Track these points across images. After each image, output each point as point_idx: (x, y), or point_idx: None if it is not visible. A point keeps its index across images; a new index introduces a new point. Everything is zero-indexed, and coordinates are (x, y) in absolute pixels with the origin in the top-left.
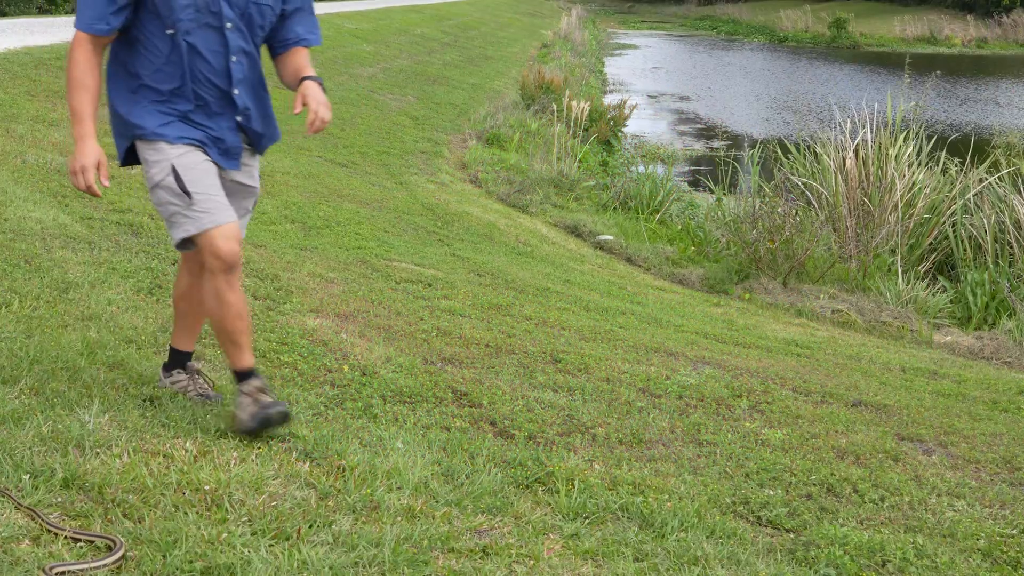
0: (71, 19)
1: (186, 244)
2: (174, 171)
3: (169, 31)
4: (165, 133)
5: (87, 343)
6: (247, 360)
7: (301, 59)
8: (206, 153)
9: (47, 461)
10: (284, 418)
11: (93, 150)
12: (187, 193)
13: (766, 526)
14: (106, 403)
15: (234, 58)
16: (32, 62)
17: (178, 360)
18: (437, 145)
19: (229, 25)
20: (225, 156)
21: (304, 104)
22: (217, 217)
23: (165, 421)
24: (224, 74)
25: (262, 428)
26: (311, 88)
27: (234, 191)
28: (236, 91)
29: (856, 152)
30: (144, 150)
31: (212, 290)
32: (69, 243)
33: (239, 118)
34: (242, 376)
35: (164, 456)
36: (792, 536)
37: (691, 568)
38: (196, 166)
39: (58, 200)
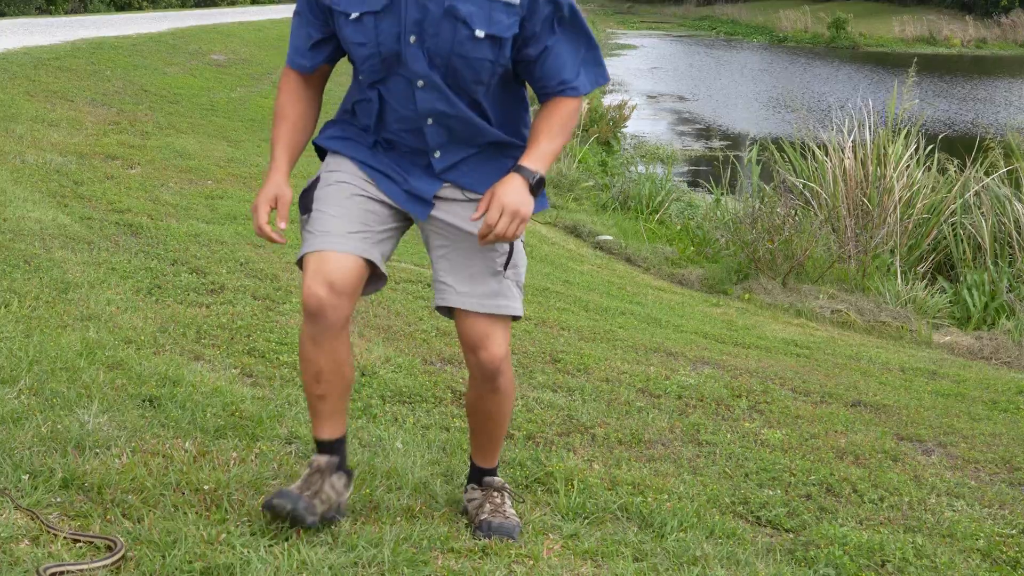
0: (70, 19)
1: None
2: (314, 182)
3: (360, 76)
4: (333, 145)
5: (86, 343)
6: (323, 432)
7: (545, 121)
8: (372, 183)
9: (46, 461)
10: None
11: (270, 185)
12: (307, 209)
13: (765, 526)
14: (105, 403)
15: (429, 121)
16: (31, 62)
17: (474, 474)
18: None
19: (421, 84)
20: (407, 198)
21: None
22: (314, 242)
23: (164, 421)
24: (419, 135)
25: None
26: (501, 188)
27: (448, 239)
28: (437, 154)
29: (855, 152)
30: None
31: (301, 336)
32: (68, 243)
33: (446, 182)
34: (320, 447)
35: (163, 456)
36: (791, 536)
37: (690, 568)
38: (337, 185)
39: (57, 200)
